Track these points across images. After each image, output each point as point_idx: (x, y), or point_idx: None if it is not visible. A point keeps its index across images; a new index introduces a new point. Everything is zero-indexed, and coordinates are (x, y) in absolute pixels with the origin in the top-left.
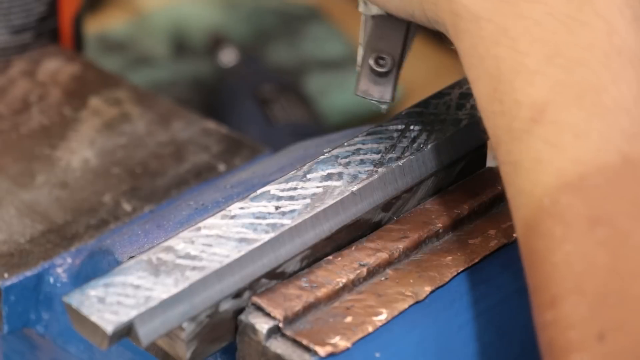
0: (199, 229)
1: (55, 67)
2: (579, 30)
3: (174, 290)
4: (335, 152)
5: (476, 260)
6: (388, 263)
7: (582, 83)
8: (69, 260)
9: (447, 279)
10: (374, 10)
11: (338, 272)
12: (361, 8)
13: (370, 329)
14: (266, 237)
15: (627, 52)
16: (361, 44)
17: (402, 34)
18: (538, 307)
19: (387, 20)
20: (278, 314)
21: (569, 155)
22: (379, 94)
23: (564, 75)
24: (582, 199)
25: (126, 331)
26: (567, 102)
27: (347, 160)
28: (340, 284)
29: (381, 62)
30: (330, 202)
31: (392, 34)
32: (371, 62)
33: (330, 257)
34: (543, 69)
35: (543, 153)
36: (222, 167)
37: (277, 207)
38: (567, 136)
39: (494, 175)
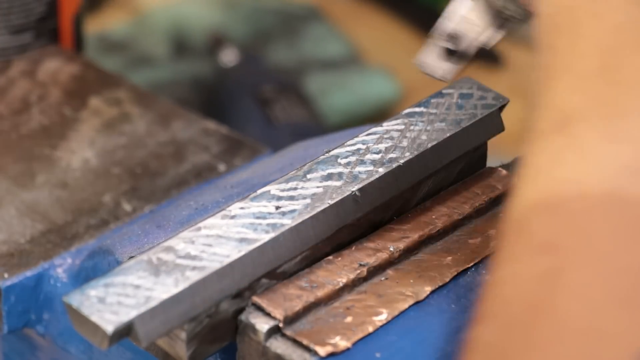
0: (199, 229)
1: (55, 67)
2: None
3: (174, 290)
4: (335, 152)
5: (476, 261)
6: (388, 263)
7: (615, 104)
8: (69, 260)
9: (447, 279)
10: None
11: (338, 272)
12: None
13: (370, 329)
14: (266, 237)
15: None
16: (448, 12)
17: (491, 20)
18: (473, 320)
19: (482, 3)
20: (278, 314)
21: (561, 174)
22: (441, 71)
23: (605, 92)
24: (548, 222)
25: (126, 331)
26: (593, 120)
27: (347, 160)
28: (341, 284)
29: (456, 40)
30: (330, 202)
31: (482, 18)
32: (446, 37)
33: (330, 257)
34: (591, 78)
35: (543, 164)
36: (222, 167)
37: (277, 207)
38: (571, 155)
39: (494, 175)
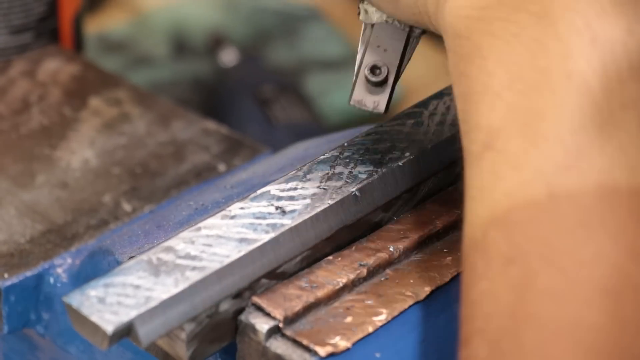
0: (199, 229)
1: (55, 67)
2: (539, 53)
3: (174, 291)
4: (335, 152)
5: None
6: (388, 263)
7: (530, 109)
8: (69, 260)
9: (447, 279)
10: (375, 18)
11: (338, 272)
12: (362, 17)
13: (370, 329)
14: (266, 237)
15: (577, 76)
16: (359, 52)
17: (402, 44)
18: (459, 342)
19: (387, 30)
20: (278, 314)
21: (503, 188)
22: (373, 104)
23: (519, 101)
24: (505, 235)
25: (126, 331)
26: (515, 130)
27: (347, 160)
28: (341, 284)
29: (377, 71)
30: (330, 202)
31: (391, 44)
32: (366, 71)
33: (330, 258)
34: (504, 92)
35: (485, 182)
36: (222, 167)
37: (277, 207)
38: (506, 167)
39: None
